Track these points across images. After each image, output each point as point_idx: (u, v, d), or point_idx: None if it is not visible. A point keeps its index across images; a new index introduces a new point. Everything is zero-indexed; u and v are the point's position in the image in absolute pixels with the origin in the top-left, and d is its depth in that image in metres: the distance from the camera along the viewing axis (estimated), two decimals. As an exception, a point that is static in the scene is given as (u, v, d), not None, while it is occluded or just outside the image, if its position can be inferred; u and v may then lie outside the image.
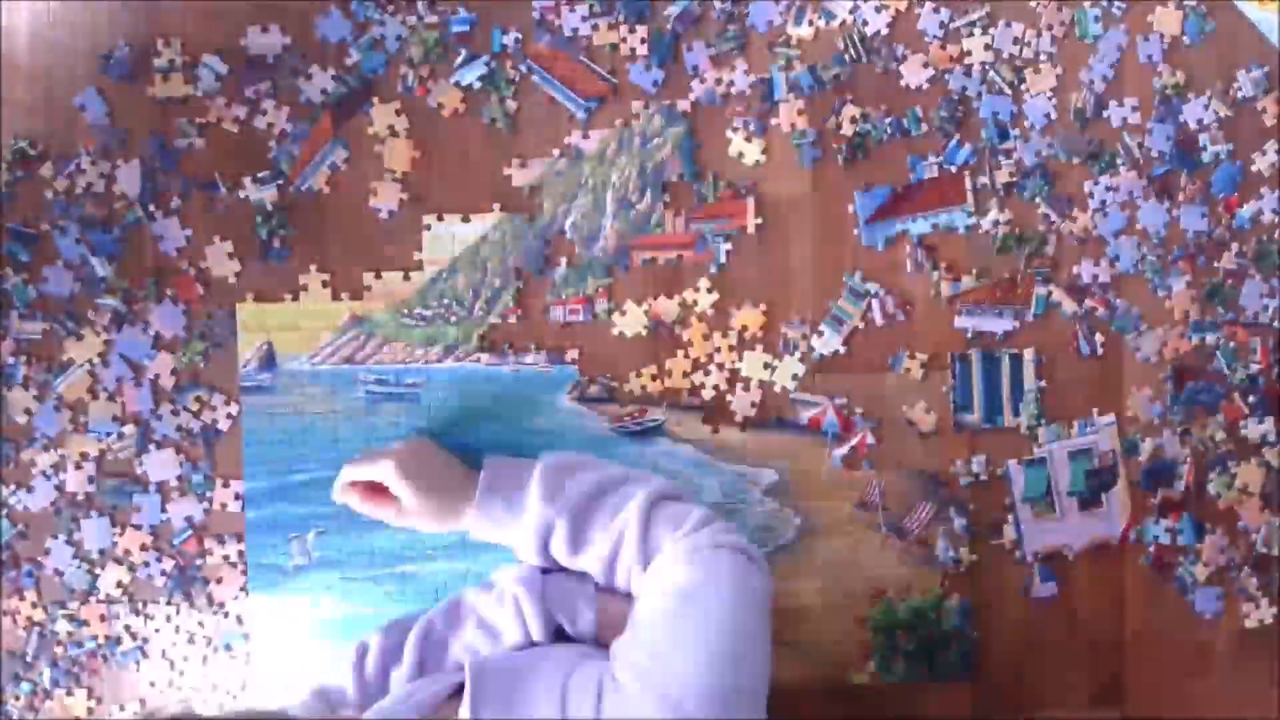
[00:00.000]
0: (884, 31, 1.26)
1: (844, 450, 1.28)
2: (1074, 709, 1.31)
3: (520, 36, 1.23)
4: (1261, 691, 1.34)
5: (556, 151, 1.24)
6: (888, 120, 1.27)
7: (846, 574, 1.28)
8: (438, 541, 1.23)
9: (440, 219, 1.23)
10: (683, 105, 1.25)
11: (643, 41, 1.24)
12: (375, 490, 1.14)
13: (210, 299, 1.22)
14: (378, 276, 1.23)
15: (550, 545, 1.08)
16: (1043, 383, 1.29)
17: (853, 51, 1.26)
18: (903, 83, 1.27)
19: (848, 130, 1.26)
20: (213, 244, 1.21)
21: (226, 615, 1.23)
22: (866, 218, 1.27)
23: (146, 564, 1.22)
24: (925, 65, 1.26)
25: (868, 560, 1.28)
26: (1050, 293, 1.28)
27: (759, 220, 1.26)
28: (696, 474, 1.27)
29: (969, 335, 1.28)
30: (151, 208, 1.20)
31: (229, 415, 1.22)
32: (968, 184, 1.27)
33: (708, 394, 1.26)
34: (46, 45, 1.18)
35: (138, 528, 1.22)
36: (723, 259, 1.26)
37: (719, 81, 1.25)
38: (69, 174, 1.19)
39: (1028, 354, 1.29)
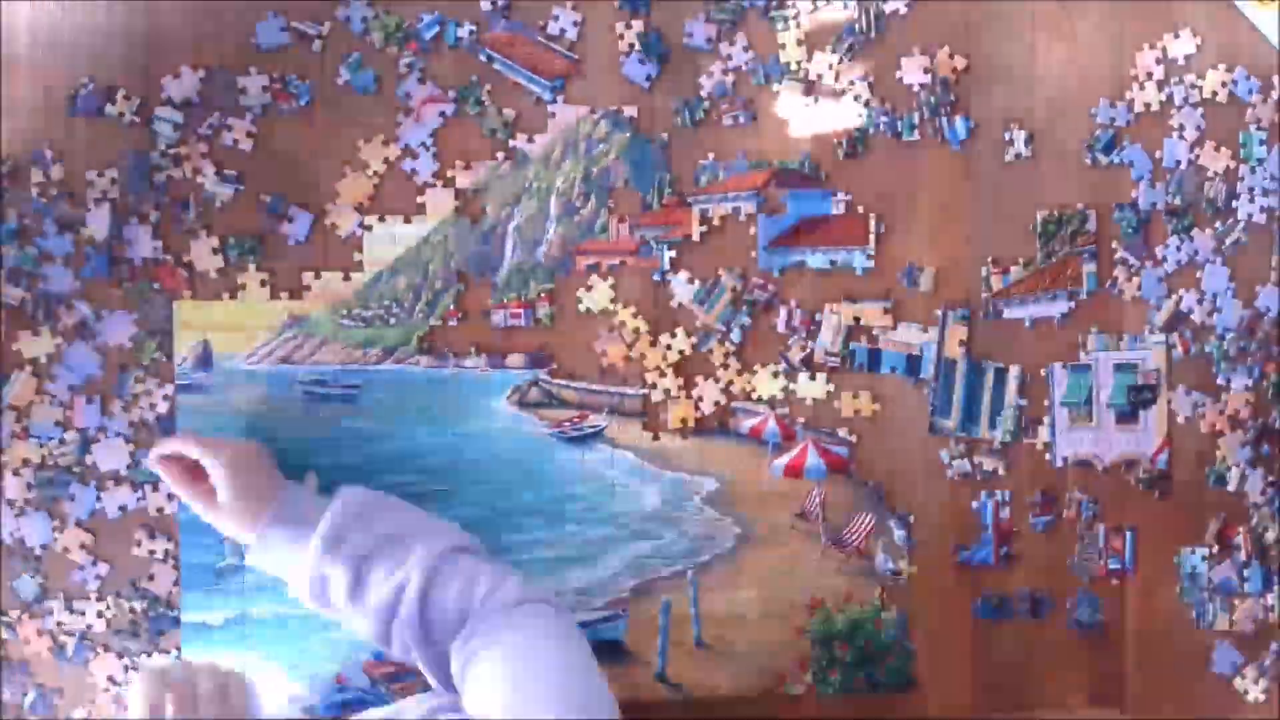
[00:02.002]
0: (903, 11, 1.27)
1: (784, 460, 1.27)
2: (1074, 709, 1.31)
3: (475, 28, 1.22)
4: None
5: (501, 154, 1.24)
6: (884, 119, 1.27)
7: (785, 584, 1.28)
8: (372, 544, 1.23)
9: (382, 220, 1.23)
10: (629, 111, 1.25)
11: (639, 36, 1.24)
12: (194, 474, 1.11)
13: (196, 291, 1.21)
14: (317, 276, 1.22)
15: (329, 593, 1.04)
16: (1023, 401, 1.29)
17: (863, 24, 1.27)
18: (897, 74, 1.28)
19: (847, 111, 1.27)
20: (198, 238, 1.20)
21: (159, 610, 1.21)
22: (765, 243, 1.27)
23: (83, 568, 1.20)
24: (926, 70, 1.27)
25: (806, 570, 1.28)
26: (1099, 269, 1.31)
27: (703, 228, 1.26)
28: (636, 481, 1.26)
29: (1027, 324, 1.29)
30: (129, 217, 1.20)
31: (165, 397, 1.20)
32: (871, 226, 1.28)
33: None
34: (46, 45, 1.17)
35: (79, 523, 1.20)
36: (666, 265, 1.26)
37: (713, 73, 1.26)
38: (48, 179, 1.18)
39: (1013, 370, 1.29)
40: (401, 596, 1.02)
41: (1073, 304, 1.30)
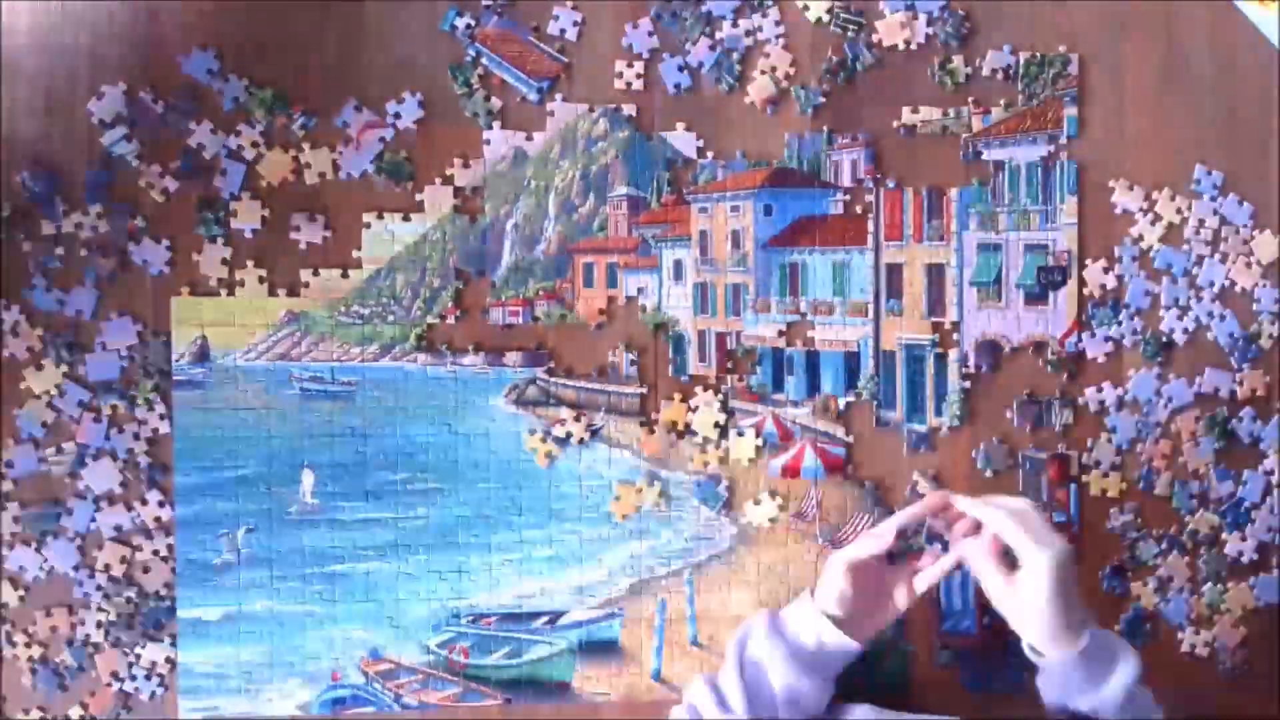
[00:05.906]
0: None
1: (782, 460, 1.27)
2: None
3: (472, 22, 1.22)
4: (1262, 692, 1.35)
5: (500, 153, 1.24)
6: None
7: (781, 584, 1.27)
8: (368, 542, 1.22)
9: (380, 217, 1.22)
10: (628, 110, 1.24)
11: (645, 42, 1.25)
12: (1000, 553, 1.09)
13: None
14: (315, 273, 1.22)
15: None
16: (966, 384, 1.29)
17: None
18: (875, 37, 1.27)
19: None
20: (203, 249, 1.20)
21: (153, 604, 1.21)
22: (763, 242, 1.27)
23: (81, 583, 1.20)
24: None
25: (803, 570, 1.27)
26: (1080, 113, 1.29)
27: (702, 228, 1.26)
28: (633, 480, 1.26)
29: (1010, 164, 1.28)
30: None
31: (162, 415, 1.20)
32: (869, 227, 1.28)
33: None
34: (46, 45, 1.17)
35: (70, 538, 1.20)
36: (668, 264, 1.26)
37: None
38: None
39: (952, 354, 1.29)
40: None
41: (1052, 148, 1.29)
